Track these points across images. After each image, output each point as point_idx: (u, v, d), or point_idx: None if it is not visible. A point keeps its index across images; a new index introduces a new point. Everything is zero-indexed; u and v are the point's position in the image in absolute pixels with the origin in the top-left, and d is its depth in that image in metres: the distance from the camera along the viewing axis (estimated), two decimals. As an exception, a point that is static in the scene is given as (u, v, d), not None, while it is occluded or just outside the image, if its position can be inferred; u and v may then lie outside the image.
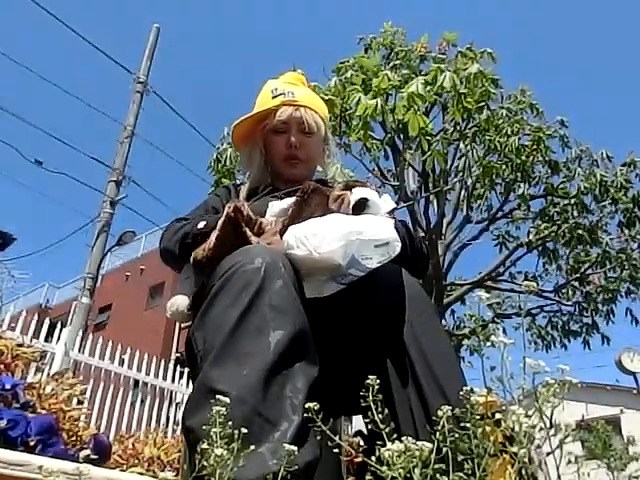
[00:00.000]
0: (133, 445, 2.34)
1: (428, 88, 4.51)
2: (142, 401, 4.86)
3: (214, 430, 0.59)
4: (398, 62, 5.70)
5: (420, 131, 4.62)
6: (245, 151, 1.49)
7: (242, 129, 1.43)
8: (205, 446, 0.58)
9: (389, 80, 4.67)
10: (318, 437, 0.77)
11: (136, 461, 2.22)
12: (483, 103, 5.20)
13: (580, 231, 6.87)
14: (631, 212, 6.81)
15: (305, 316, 0.92)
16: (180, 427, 0.94)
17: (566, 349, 7.94)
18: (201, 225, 1.14)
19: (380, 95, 4.74)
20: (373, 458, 0.53)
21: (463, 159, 5.98)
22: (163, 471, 2.17)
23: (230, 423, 0.65)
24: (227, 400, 0.77)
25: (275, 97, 1.39)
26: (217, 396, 0.65)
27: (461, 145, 6.00)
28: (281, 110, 1.36)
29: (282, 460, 0.63)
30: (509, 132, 6.06)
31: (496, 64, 5.56)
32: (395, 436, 0.54)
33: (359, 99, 4.73)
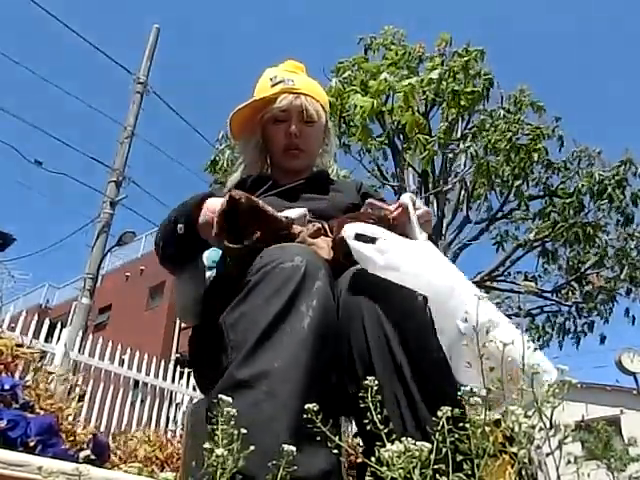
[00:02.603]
0: (126, 442, 2.35)
1: (421, 83, 4.54)
2: (142, 401, 4.86)
3: (219, 429, 0.59)
4: (397, 59, 5.69)
5: (415, 132, 4.64)
6: (242, 140, 1.44)
7: (240, 118, 1.38)
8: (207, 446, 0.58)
9: (386, 82, 4.68)
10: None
11: (133, 460, 2.22)
12: (478, 95, 5.22)
13: (578, 229, 6.87)
14: (624, 209, 6.82)
15: (338, 321, 0.93)
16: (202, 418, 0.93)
17: (562, 348, 7.94)
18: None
19: (377, 97, 4.75)
20: (373, 459, 0.53)
21: (463, 158, 5.99)
22: (162, 470, 2.18)
23: (258, 415, 0.64)
24: (258, 392, 0.77)
25: (274, 85, 1.34)
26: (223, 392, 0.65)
27: (461, 145, 6.01)
28: (281, 98, 1.31)
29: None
30: (505, 129, 6.07)
31: (486, 62, 5.59)
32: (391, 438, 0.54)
33: (356, 100, 4.74)
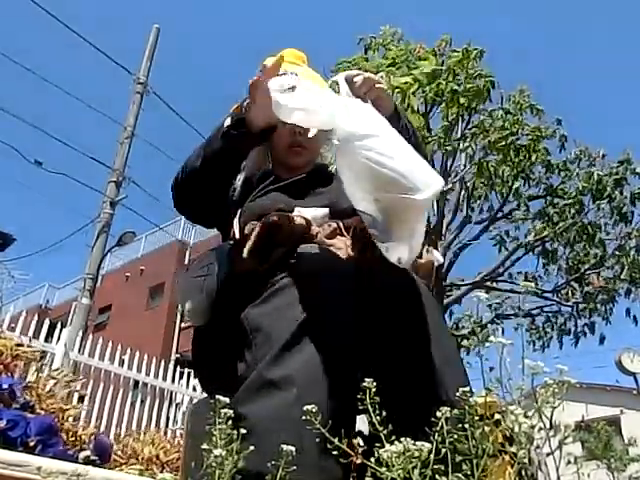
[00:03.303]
0: (131, 445, 2.34)
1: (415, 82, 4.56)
2: (142, 402, 4.85)
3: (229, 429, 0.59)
4: (396, 57, 5.68)
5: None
6: None
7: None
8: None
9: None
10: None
11: (135, 461, 2.22)
12: (476, 91, 5.22)
13: (578, 228, 6.87)
14: (621, 208, 6.83)
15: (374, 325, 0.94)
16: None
17: (562, 348, 7.93)
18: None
19: None
20: (372, 459, 0.53)
21: (462, 158, 6.00)
22: (162, 471, 2.17)
23: (288, 416, 0.66)
24: (288, 394, 0.78)
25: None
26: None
27: (461, 145, 6.01)
28: None
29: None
30: (505, 127, 6.07)
31: (485, 62, 5.60)
32: (394, 438, 0.54)
33: None
